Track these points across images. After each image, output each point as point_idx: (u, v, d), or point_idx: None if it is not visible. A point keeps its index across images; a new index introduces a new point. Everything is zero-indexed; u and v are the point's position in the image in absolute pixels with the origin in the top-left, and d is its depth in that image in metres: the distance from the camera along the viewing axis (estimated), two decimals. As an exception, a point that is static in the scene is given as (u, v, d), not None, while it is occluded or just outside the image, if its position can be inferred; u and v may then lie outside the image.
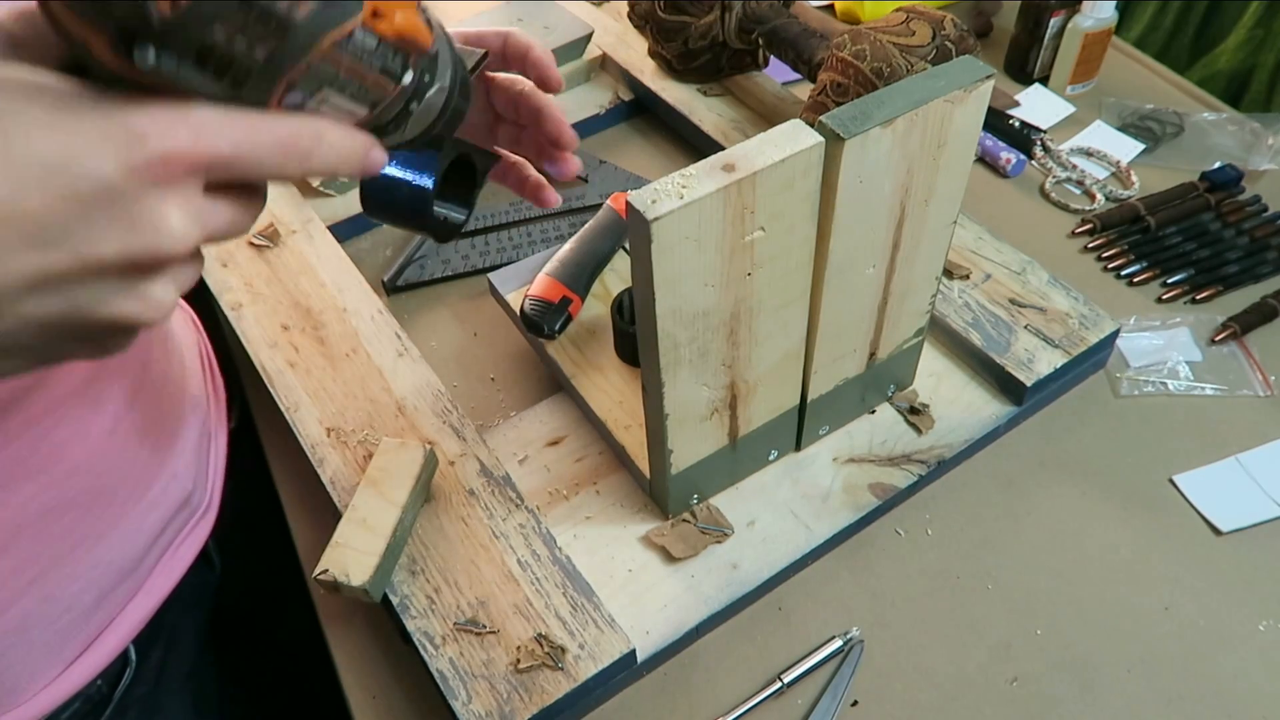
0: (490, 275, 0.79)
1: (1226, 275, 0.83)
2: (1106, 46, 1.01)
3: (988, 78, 0.53)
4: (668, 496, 0.64)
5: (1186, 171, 0.93)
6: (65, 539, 0.55)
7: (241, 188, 0.34)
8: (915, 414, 0.71)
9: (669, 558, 0.64)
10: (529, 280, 0.77)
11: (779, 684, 0.60)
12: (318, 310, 0.78)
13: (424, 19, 0.39)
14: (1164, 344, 0.78)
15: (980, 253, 0.79)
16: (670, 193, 0.46)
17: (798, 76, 1.03)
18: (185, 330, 0.71)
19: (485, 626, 0.59)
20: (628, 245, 0.77)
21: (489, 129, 0.63)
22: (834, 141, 0.49)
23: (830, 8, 1.15)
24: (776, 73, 1.01)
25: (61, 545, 0.55)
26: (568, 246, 0.77)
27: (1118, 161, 0.95)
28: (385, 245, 0.91)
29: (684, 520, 0.66)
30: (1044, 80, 1.05)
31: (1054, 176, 0.94)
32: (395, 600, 0.60)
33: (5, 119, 0.28)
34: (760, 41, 0.92)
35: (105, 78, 0.30)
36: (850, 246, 0.56)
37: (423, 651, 0.58)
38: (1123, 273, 0.84)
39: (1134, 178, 0.93)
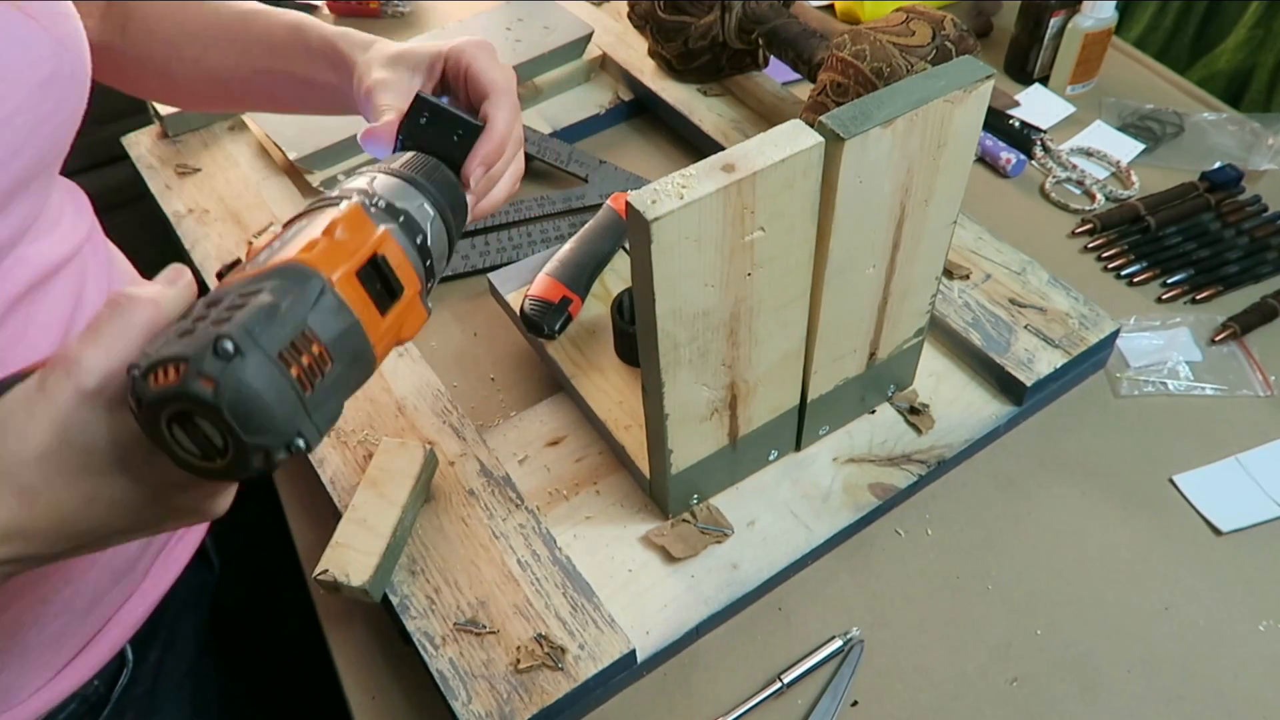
0: (490, 275, 0.79)
1: (1226, 275, 0.83)
2: (1106, 46, 1.01)
3: (988, 78, 0.53)
4: (668, 496, 0.64)
5: (1186, 171, 0.93)
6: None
7: None
8: (915, 414, 0.71)
9: (669, 558, 0.64)
10: (529, 280, 0.77)
11: (779, 684, 0.60)
12: (318, 310, 0.78)
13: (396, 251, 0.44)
14: (1164, 344, 0.78)
15: (980, 253, 0.79)
16: (670, 193, 0.46)
17: (798, 76, 1.03)
18: None
19: (485, 626, 0.59)
20: (628, 245, 0.77)
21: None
22: (834, 141, 0.49)
23: (830, 8, 1.15)
24: (776, 73, 1.01)
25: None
26: (568, 246, 0.77)
27: (1118, 161, 0.95)
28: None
29: (684, 520, 0.66)
30: (1044, 80, 1.05)
31: (1054, 176, 0.94)
32: (395, 600, 0.60)
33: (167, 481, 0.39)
34: (760, 41, 0.92)
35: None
36: (850, 246, 0.56)
37: (423, 651, 0.58)
38: (1123, 273, 0.84)
39: (1134, 178, 0.93)
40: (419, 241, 0.47)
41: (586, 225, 0.79)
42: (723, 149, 0.48)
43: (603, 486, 0.69)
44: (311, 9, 1.16)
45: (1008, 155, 0.94)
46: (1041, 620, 0.63)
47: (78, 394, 0.37)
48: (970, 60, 0.53)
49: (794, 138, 0.48)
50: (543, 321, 0.72)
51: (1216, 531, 0.67)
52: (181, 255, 0.86)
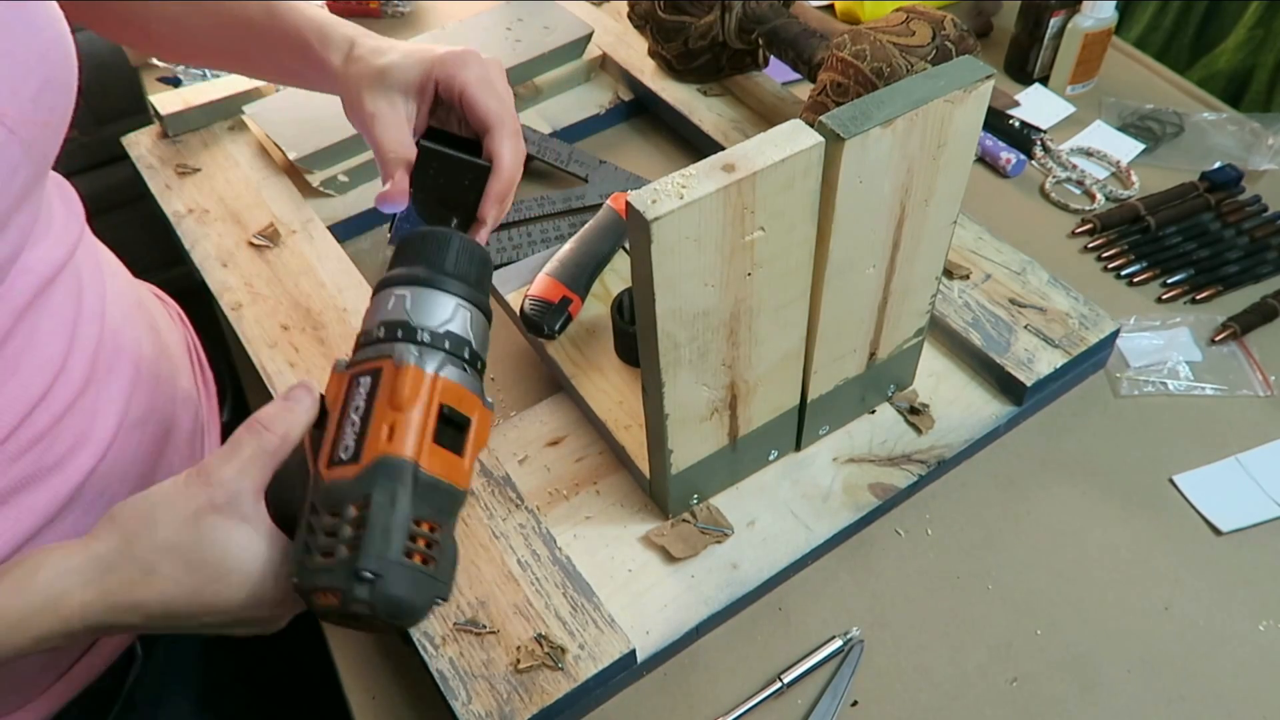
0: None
1: (1226, 275, 0.83)
2: (1106, 46, 1.01)
3: (988, 78, 0.53)
4: (668, 496, 0.64)
5: (1186, 171, 0.93)
6: (67, 539, 0.55)
7: None
8: (915, 414, 0.71)
9: (669, 558, 0.64)
10: (529, 280, 0.77)
11: (779, 684, 0.60)
12: (318, 310, 0.78)
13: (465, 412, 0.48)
14: (1164, 344, 0.78)
15: (980, 253, 0.79)
16: (670, 193, 0.46)
17: (798, 76, 1.03)
18: (172, 326, 0.71)
19: (485, 626, 0.59)
20: (628, 245, 0.77)
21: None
22: (834, 141, 0.49)
23: (830, 8, 1.15)
24: (776, 73, 1.01)
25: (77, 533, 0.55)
26: (568, 246, 0.77)
27: (1118, 161, 0.95)
28: (385, 245, 0.91)
29: (684, 520, 0.66)
30: (1044, 80, 1.05)
31: (1054, 176, 0.94)
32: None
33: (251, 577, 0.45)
34: (760, 41, 0.92)
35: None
36: (850, 246, 0.56)
37: (423, 651, 0.58)
38: (1123, 273, 0.84)
39: (1134, 178, 0.93)
40: (467, 355, 0.49)
41: (586, 225, 0.79)
42: (723, 149, 0.48)
43: (603, 486, 0.69)
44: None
45: (1008, 155, 0.94)
46: (1041, 620, 0.63)
47: (209, 505, 0.44)
48: (970, 60, 0.53)
49: (794, 138, 0.48)
50: (543, 321, 0.72)
51: (1216, 531, 0.67)
52: (181, 255, 0.86)
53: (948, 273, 0.77)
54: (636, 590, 0.63)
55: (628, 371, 0.72)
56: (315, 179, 0.91)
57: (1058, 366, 0.70)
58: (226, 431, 0.75)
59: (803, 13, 0.91)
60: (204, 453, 0.69)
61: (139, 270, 0.70)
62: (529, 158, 0.95)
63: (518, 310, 0.74)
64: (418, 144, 0.56)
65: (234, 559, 0.44)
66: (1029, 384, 0.70)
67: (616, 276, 0.79)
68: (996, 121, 0.99)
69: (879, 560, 0.66)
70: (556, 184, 0.95)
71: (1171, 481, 0.70)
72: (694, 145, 0.98)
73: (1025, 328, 0.73)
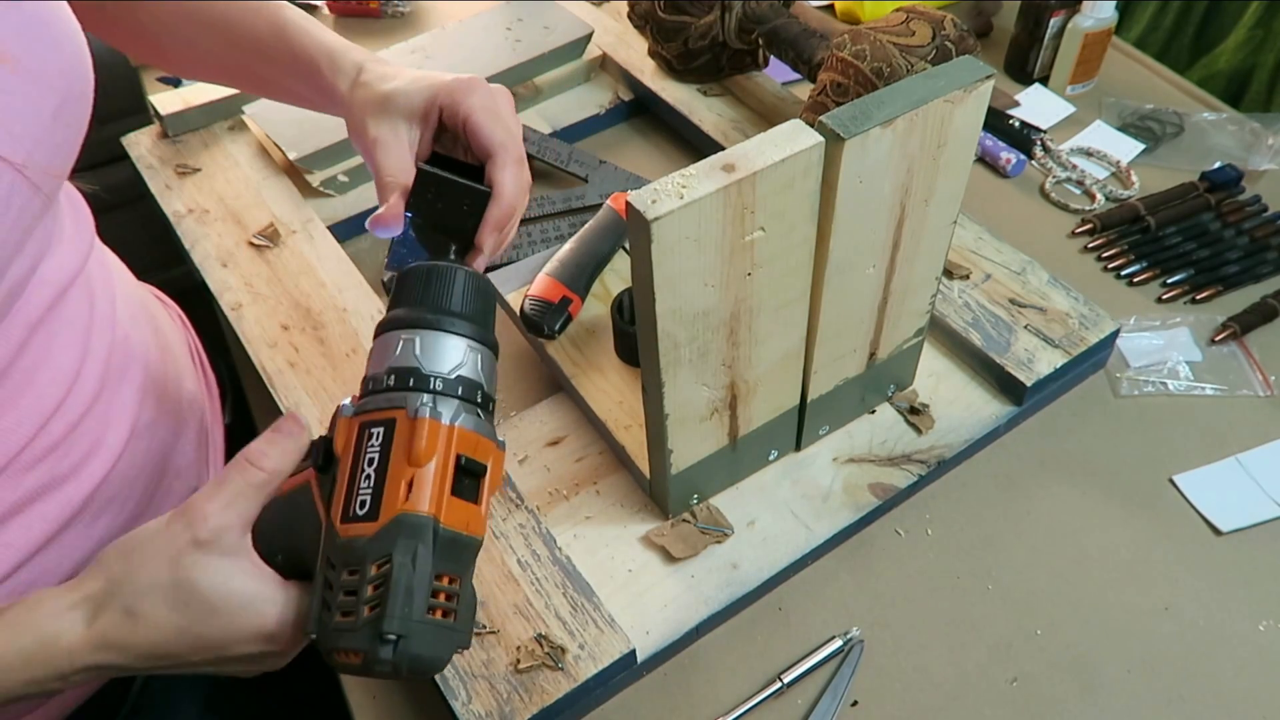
0: (490, 275, 0.78)
1: (1226, 275, 0.83)
2: (1106, 46, 1.01)
3: (988, 78, 0.53)
4: (668, 496, 0.64)
5: (1186, 171, 0.93)
6: (79, 548, 0.55)
7: None
8: (915, 414, 0.71)
9: (669, 558, 0.64)
10: (529, 280, 0.77)
11: (779, 684, 0.60)
12: (318, 310, 0.78)
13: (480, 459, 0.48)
14: (1164, 344, 0.78)
15: (980, 253, 0.79)
16: (670, 193, 0.46)
17: (798, 76, 1.03)
18: (174, 328, 0.72)
19: (485, 626, 0.59)
20: (628, 245, 0.77)
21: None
22: (834, 141, 0.49)
23: (830, 8, 1.15)
24: (776, 73, 1.01)
25: (75, 555, 0.55)
26: (568, 246, 0.77)
27: (1118, 161, 0.95)
28: (385, 245, 0.91)
29: (684, 520, 0.66)
30: (1044, 80, 1.05)
31: (1054, 176, 0.94)
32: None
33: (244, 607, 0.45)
34: (760, 41, 0.92)
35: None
36: (850, 246, 0.56)
37: (423, 651, 0.58)
38: (1123, 273, 0.84)
39: (1134, 178, 0.93)
40: (479, 399, 0.48)
41: (586, 225, 0.79)
42: (723, 149, 0.48)
43: (603, 486, 0.69)
44: (312, 9, 1.16)
45: (1008, 155, 0.94)
46: (1041, 620, 0.63)
47: (192, 542, 0.44)
48: (970, 60, 0.53)
49: (794, 138, 0.48)
50: (543, 321, 0.72)
51: (1216, 531, 0.67)
52: (181, 255, 0.86)
53: (948, 273, 0.77)
54: (636, 590, 0.63)
55: (628, 371, 0.72)
56: (315, 179, 0.91)
57: (1058, 366, 0.70)
58: (229, 433, 0.75)
59: (803, 13, 0.91)
60: (210, 455, 0.69)
61: (139, 270, 0.70)
62: (529, 157, 0.95)
63: (518, 310, 0.74)
64: (417, 168, 0.55)
65: (219, 596, 0.44)
66: (1029, 384, 0.70)
67: (616, 276, 0.79)
68: (996, 121, 0.99)
69: (879, 560, 0.66)
70: (556, 184, 0.95)
71: (1171, 481, 0.70)
72: (694, 145, 0.98)
73: (1025, 328, 0.73)
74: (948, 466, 0.70)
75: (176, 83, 1.04)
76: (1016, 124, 0.98)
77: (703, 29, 0.93)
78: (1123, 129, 0.98)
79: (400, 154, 0.56)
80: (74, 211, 0.59)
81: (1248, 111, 1.00)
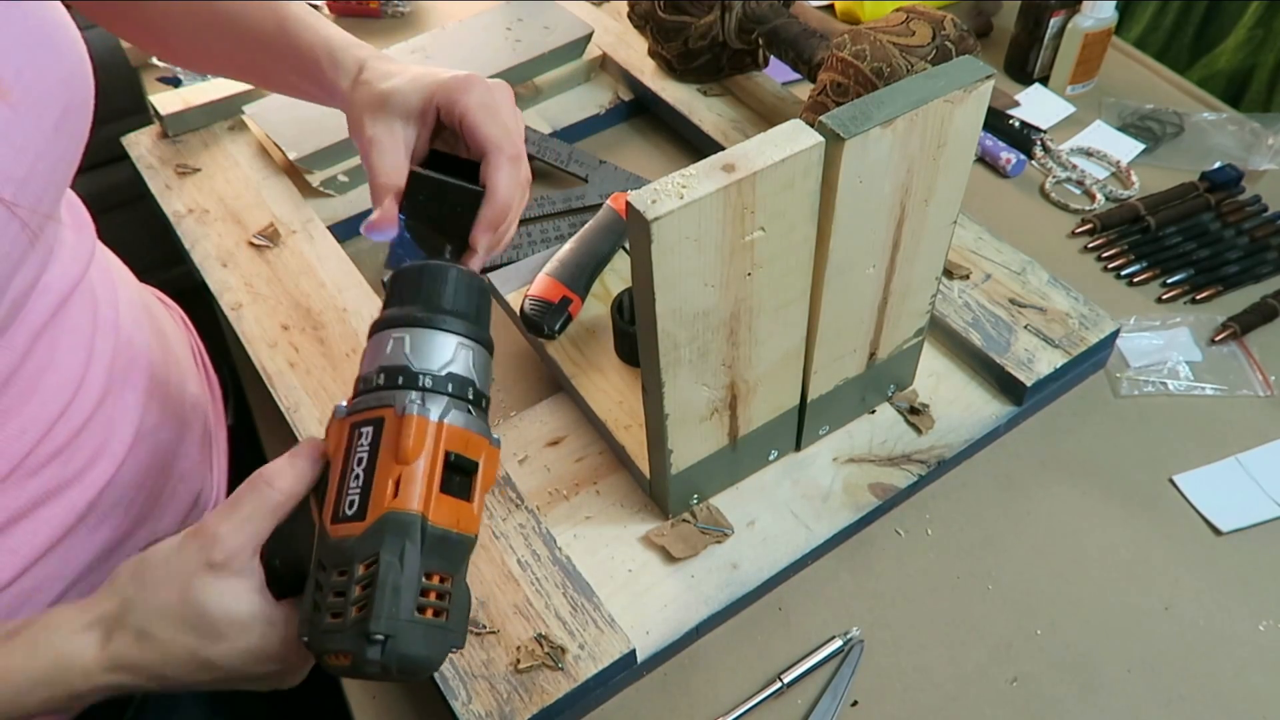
0: (490, 275, 0.79)
1: (1226, 275, 0.83)
2: (1106, 46, 1.01)
3: (988, 78, 0.53)
4: (668, 496, 0.64)
5: (1186, 171, 0.93)
6: (84, 552, 0.55)
7: None
8: (915, 414, 0.71)
9: (669, 558, 0.64)
10: (529, 280, 0.77)
11: (779, 684, 0.60)
12: (318, 310, 0.78)
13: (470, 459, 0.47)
14: (1164, 344, 0.78)
15: (980, 253, 0.79)
16: (670, 193, 0.46)
17: (798, 76, 1.03)
18: (177, 330, 0.71)
19: (485, 626, 0.59)
20: (628, 245, 0.77)
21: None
22: (834, 141, 0.49)
23: (830, 8, 1.15)
24: (776, 73, 1.01)
25: (81, 559, 0.55)
26: (568, 246, 0.77)
27: (1118, 161, 0.95)
28: (385, 245, 0.91)
29: (684, 520, 0.66)
30: (1044, 80, 1.05)
31: (1054, 176, 0.94)
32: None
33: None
34: (760, 41, 0.92)
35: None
36: (850, 246, 0.56)
37: (423, 651, 0.58)
38: (1123, 273, 0.84)
39: (1134, 178, 0.93)
40: (471, 395, 0.48)
41: (586, 225, 0.79)
42: (723, 149, 0.48)
43: (603, 486, 0.69)
44: (313, 8, 1.15)
45: (1008, 155, 0.94)
46: (1041, 620, 0.63)
47: (204, 564, 0.44)
48: (970, 60, 0.53)
49: (794, 138, 0.48)
50: (543, 321, 0.72)
51: (1216, 531, 0.67)
52: (181, 255, 0.86)
53: (948, 273, 0.77)
54: (636, 590, 0.63)
55: (628, 371, 0.72)
56: (315, 179, 0.91)
57: (1058, 366, 0.70)
58: (232, 435, 0.75)
59: (803, 13, 0.91)
60: (214, 458, 0.69)
61: (139, 270, 0.70)
62: (529, 157, 0.95)
63: (518, 310, 0.74)
64: (410, 171, 0.55)
65: (229, 617, 0.44)
66: (1029, 384, 0.70)
67: (616, 276, 0.79)
68: (996, 121, 0.99)
69: (879, 560, 0.66)
70: (556, 184, 0.95)
71: (1171, 481, 0.70)
72: (694, 145, 0.98)
73: (1025, 328, 0.73)
74: (948, 466, 0.70)
75: (176, 83, 1.04)
76: (1016, 124, 0.98)
77: (703, 29, 0.93)
78: (1123, 129, 0.98)
79: (395, 155, 0.55)
80: (74, 218, 0.58)
81: (1248, 111, 1.00)
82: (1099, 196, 0.91)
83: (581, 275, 0.75)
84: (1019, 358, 0.71)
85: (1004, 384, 0.72)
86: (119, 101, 1.14)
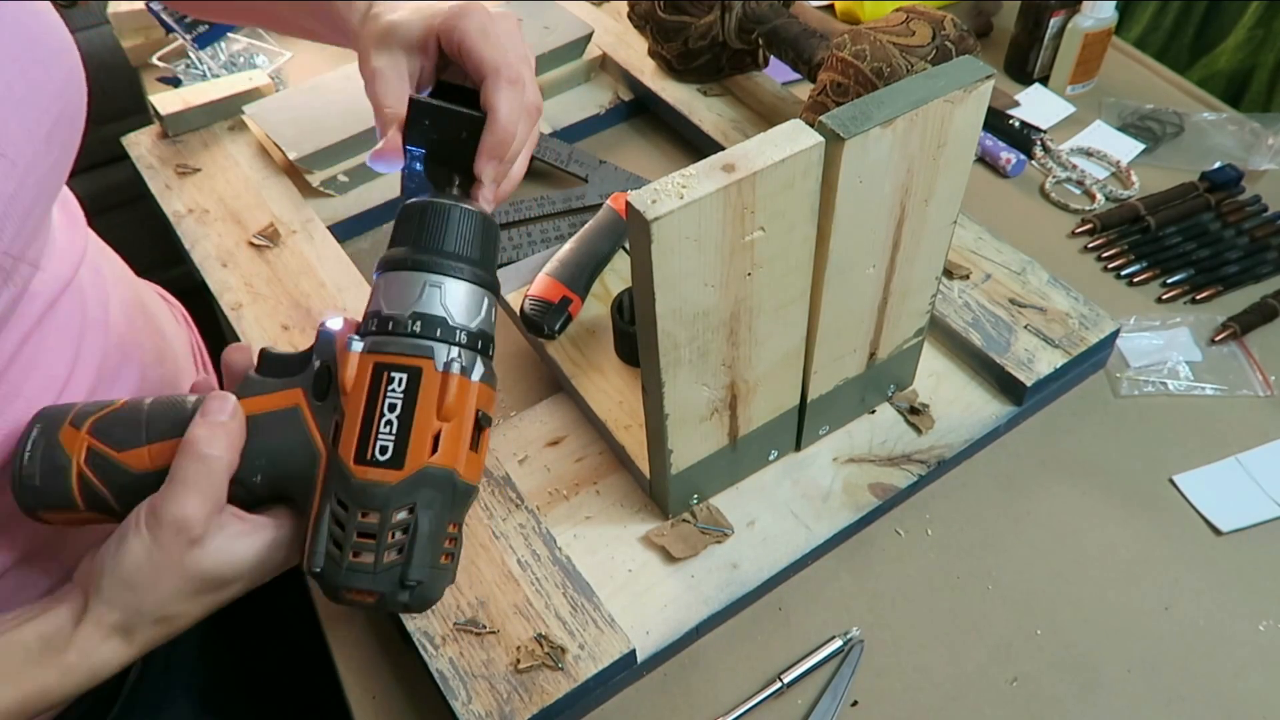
0: (490, 275, 0.78)
1: (1226, 275, 0.83)
2: (1106, 46, 1.01)
3: (988, 78, 0.53)
4: (668, 496, 0.64)
5: (1186, 171, 0.93)
6: (77, 551, 0.55)
7: None
8: (915, 414, 0.71)
9: (669, 558, 0.64)
10: (529, 280, 0.77)
11: (779, 684, 0.60)
12: (318, 310, 0.78)
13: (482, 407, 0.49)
14: (1164, 344, 0.78)
15: (980, 253, 0.79)
16: (670, 193, 0.46)
17: (798, 76, 1.03)
18: (177, 327, 0.71)
19: (485, 626, 0.59)
20: (628, 245, 0.77)
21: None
22: (834, 141, 0.49)
23: (830, 8, 1.15)
24: (776, 73, 1.01)
25: (73, 556, 0.55)
26: (568, 246, 0.77)
27: (1118, 161, 0.95)
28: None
29: (684, 520, 0.66)
30: (1044, 80, 1.05)
31: (1054, 176, 0.94)
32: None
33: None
34: (760, 41, 0.92)
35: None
36: (850, 246, 0.56)
37: (423, 651, 0.58)
38: (1123, 273, 0.84)
39: (1134, 178, 0.93)
40: (490, 350, 0.49)
41: (586, 225, 0.79)
42: (723, 149, 0.48)
43: (603, 486, 0.69)
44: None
45: (1008, 155, 0.94)
46: (1041, 620, 0.63)
47: (191, 545, 0.46)
48: (970, 60, 0.53)
49: (794, 138, 0.48)
50: (543, 321, 0.72)
51: (1216, 531, 0.67)
52: (181, 255, 0.86)
53: (948, 273, 0.77)
54: (636, 590, 0.63)
55: (628, 371, 0.72)
56: (315, 179, 0.91)
57: (1058, 366, 0.70)
58: None
59: (803, 13, 0.91)
60: None
61: (139, 271, 0.70)
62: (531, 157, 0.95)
63: (518, 310, 0.74)
64: (410, 99, 0.53)
65: (235, 567, 0.47)
66: (1029, 384, 0.70)
67: (616, 276, 0.79)
68: (996, 121, 0.99)
69: (879, 560, 0.66)
70: (556, 184, 0.95)
71: (1171, 481, 0.70)
72: (694, 145, 0.98)
73: (1025, 328, 0.73)
74: (948, 466, 0.70)
75: (176, 83, 1.04)
76: (1016, 124, 0.98)
77: (703, 29, 0.93)
78: (1123, 129, 0.98)
79: (399, 86, 0.54)
80: (67, 219, 0.58)
81: (1248, 111, 1.00)
82: (1099, 196, 0.91)
83: (581, 275, 0.75)
84: (1019, 358, 0.71)
85: (1004, 384, 0.72)
86: (119, 101, 1.14)
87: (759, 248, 0.51)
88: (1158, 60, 1.09)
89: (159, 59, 1.05)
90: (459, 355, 0.47)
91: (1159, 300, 0.82)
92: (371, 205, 0.91)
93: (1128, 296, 0.83)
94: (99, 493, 0.48)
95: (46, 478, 0.48)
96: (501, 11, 0.56)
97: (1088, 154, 0.97)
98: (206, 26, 1.03)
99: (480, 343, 0.48)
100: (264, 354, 0.50)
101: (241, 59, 1.06)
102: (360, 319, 0.50)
